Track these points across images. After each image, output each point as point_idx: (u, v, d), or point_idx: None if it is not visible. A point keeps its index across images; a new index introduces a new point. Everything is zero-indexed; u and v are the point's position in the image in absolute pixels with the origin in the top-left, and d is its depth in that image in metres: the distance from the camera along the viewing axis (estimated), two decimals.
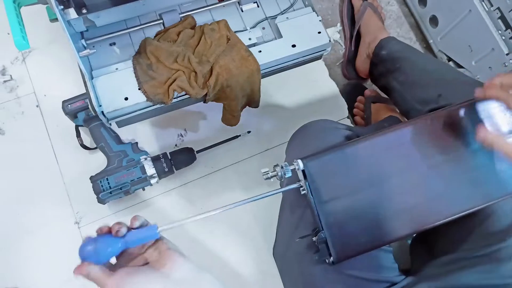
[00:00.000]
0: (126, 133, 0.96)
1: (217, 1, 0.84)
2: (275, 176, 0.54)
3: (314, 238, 0.56)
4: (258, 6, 0.84)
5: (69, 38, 0.66)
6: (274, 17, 0.83)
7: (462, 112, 0.59)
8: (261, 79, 0.79)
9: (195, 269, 0.45)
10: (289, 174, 0.54)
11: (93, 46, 0.78)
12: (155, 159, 0.89)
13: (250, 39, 0.79)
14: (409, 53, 0.90)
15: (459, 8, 0.98)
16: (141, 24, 0.80)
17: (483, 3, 0.92)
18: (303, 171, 0.55)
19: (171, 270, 0.43)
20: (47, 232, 0.91)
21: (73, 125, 0.94)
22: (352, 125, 1.07)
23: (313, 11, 0.83)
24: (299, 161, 0.55)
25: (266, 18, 0.83)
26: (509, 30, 0.88)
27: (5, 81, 1.01)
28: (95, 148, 0.92)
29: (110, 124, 0.77)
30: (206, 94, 0.75)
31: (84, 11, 0.68)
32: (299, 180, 0.56)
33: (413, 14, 1.17)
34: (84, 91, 0.75)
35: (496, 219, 0.61)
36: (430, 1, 1.08)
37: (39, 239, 0.90)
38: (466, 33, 0.99)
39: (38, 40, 1.03)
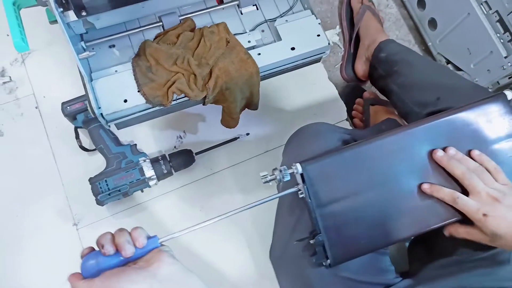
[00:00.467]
0: (125, 135, 0.97)
1: (217, 4, 0.84)
2: (273, 179, 0.55)
3: (311, 241, 0.56)
4: (257, 9, 0.84)
5: (69, 40, 0.66)
6: (274, 19, 0.83)
7: (459, 116, 0.59)
8: (260, 82, 0.79)
9: (183, 271, 0.45)
10: (287, 178, 0.54)
11: (93, 48, 0.78)
12: (154, 161, 0.89)
13: (249, 41, 0.79)
14: (408, 55, 0.90)
15: (458, 11, 0.98)
16: (140, 27, 0.80)
17: (481, 6, 0.93)
18: (301, 174, 0.55)
19: (158, 269, 0.43)
20: (46, 233, 0.91)
21: (72, 126, 0.94)
22: (351, 128, 1.07)
23: (312, 14, 0.83)
24: (298, 165, 0.55)
25: (266, 21, 0.84)
26: (507, 33, 0.89)
27: (4, 83, 1.02)
28: (94, 149, 0.92)
29: (109, 126, 0.77)
30: (205, 97, 0.75)
31: (84, 13, 0.68)
32: (297, 184, 0.56)
33: (412, 16, 1.17)
34: (83, 92, 0.75)
35: None
36: (429, 3, 1.08)
37: (38, 241, 0.90)
38: (464, 36, 1.00)
39: (37, 42, 1.03)
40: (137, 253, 0.45)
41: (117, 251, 0.44)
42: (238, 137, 1.00)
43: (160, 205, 0.95)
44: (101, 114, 0.72)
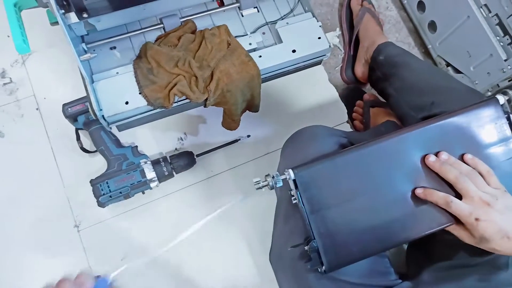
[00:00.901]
0: (126, 137, 0.97)
1: (218, 6, 0.84)
2: (266, 185, 0.55)
3: (306, 247, 0.56)
4: (258, 11, 0.85)
5: (70, 42, 0.66)
6: (274, 22, 0.84)
7: (452, 121, 0.59)
8: (261, 84, 0.79)
9: None
10: (280, 184, 0.54)
11: (94, 50, 0.78)
12: (155, 163, 0.89)
13: (250, 44, 0.80)
14: (406, 58, 0.90)
15: (458, 14, 0.98)
16: (141, 28, 0.80)
17: (481, 9, 0.93)
18: (294, 180, 0.55)
19: None
20: (47, 235, 0.91)
21: (73, 128, 0.94)
22: (352, 130, 1.08)
23: (313, 16, 0.84)
24: (290, 171, 0.55)
25: (267, 23, 0.84)
26: (507, 37, 0.89)
27: (5, 84, 1.01)
28: (95, 151, 0.92)
29: (111, 128, 0.77)
30: (206, 99, 0.75)
31: (85, 15, 0.68)
32: (290, 190, 0.56)
33: (412, 19, 1.17)
34: (84, 94, 0.75)
35: None
36: (428, 6, 1.09)
37: (39, 242, 0.90)
38: (464, 39, 1.00)
39: (38, 43, 1.03)
40: None
41: None
42: (239, 139, 1.00)
43: (161, 207, 0.94)
44: (103, 116, 0.72)
